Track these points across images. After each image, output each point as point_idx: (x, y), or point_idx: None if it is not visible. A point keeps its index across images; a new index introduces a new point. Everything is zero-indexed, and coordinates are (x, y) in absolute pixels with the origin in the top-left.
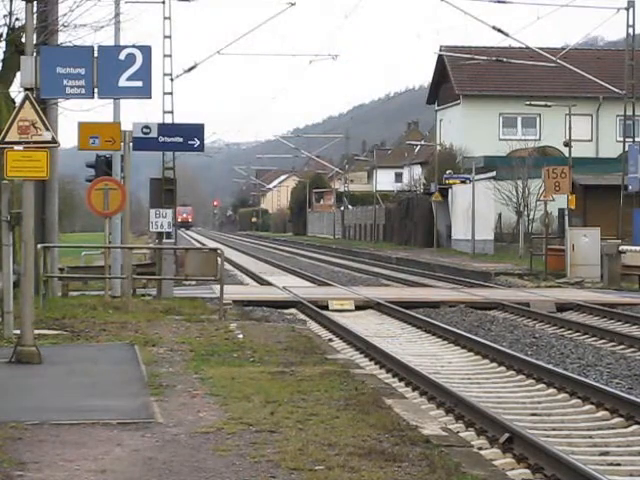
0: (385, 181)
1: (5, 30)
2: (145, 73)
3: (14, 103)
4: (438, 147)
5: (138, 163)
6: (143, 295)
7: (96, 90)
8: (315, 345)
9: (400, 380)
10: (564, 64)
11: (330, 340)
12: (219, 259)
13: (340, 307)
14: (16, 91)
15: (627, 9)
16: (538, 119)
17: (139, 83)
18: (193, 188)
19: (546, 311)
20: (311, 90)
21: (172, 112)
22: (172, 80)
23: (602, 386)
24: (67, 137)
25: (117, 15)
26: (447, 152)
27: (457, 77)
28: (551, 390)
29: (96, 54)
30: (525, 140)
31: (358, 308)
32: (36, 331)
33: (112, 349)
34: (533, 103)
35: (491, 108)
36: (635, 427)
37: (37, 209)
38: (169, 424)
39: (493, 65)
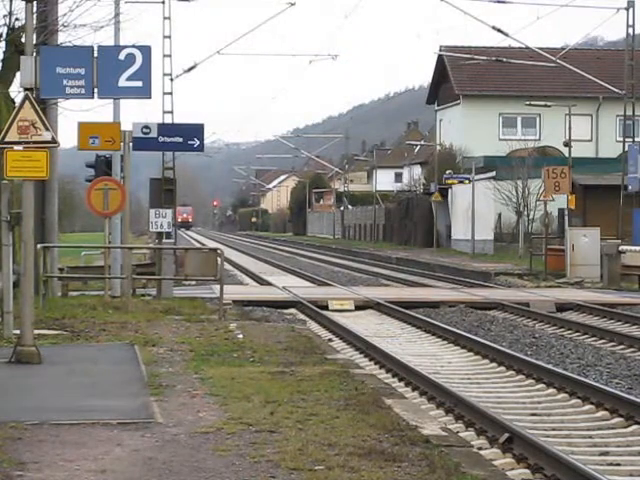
0: (385, 181)
1: (5, 30)
2: (145, 73)
3: (14, 103)
4: (438, 147)
5: (138, 163)
6: (143, 295)
7: (96, 90)
8: (315, 345)
9: (400, 380)
10: (564, 64)
11: (330, 340)
12: (219, 259)
13: (340, 307)
14: (16, 91)
15: (627, 9)
16: (538, 119)
17: (139, 83)
18: (193, 188)
19: (546, 311)
20: (311, 90)
21: (172, 112)
22: (172, 80)
23: (602, 386)
24: (67, 137)
25: (117, 15)
26: (447, 152)
27: (457, 77)
28: (551, 390)
29: (96, 54)
30: (525, 140)
31: (358, 308)
32: (36, 331)
33: (112, 349)
34: (533, 103)
35: (491, 108)
36: (635, 427)
37: (37, 209)
38: (169, 424)
39: (493, 65)
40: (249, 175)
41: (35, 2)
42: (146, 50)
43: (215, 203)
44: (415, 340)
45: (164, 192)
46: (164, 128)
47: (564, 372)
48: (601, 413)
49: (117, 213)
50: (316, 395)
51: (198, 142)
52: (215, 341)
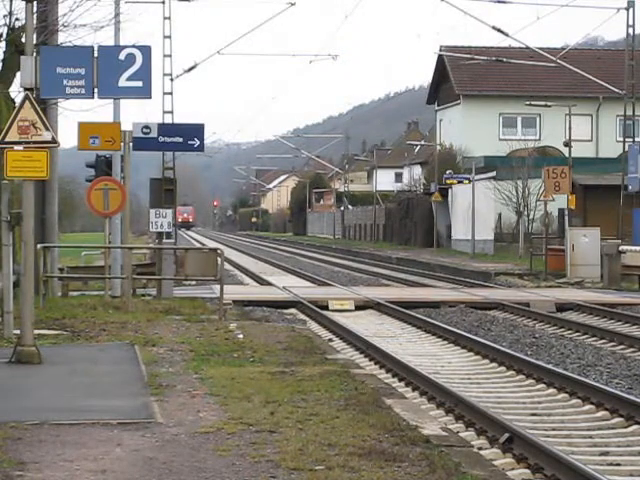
0: (385, 181)
1: (5, 30)
2: (145, 73)
3: (14, 103)
4: (438, 147)
5: (138, 163)
6: (143, 295)
7: (96, 90)
8: (315, 345)
9: (400, 380)
10: (564, 64)
11: (330, 340)
12: (219, 259)
13: (340, 307)
14: (16, 91)
15: (627, 9)
16: (538, 119)
17: (139, 83)
18: (193, 188)
19: (546, 311)
20: (311, 90)
21: (172, 112)
22: (172, 80)
23: (602, 386)
24: (67, 137)
25: (117, 15)
26: (447, 152)
27: (457, 77)
28: (551, 390)
29: (96, 54)
30: (525, 140)
31: (358, 308)
32: (36, 331)
33: (112, 349)
34: (533, 103)
35: (491, 108)
36: (635, 427)
37: (37, 209)
38: (169, 424)
39: (493, 65)
40: (249, 175)
41: (35, 2)
42: (146, 50)
43: (215, 203)
44: (415, 340)
45: (164, 192)
46: (164, 128)
47: (564, 372)
48: (601, 413)
49: (117, 213)
50: (316, 395)
51: (198, 142)
52: (215, 341)
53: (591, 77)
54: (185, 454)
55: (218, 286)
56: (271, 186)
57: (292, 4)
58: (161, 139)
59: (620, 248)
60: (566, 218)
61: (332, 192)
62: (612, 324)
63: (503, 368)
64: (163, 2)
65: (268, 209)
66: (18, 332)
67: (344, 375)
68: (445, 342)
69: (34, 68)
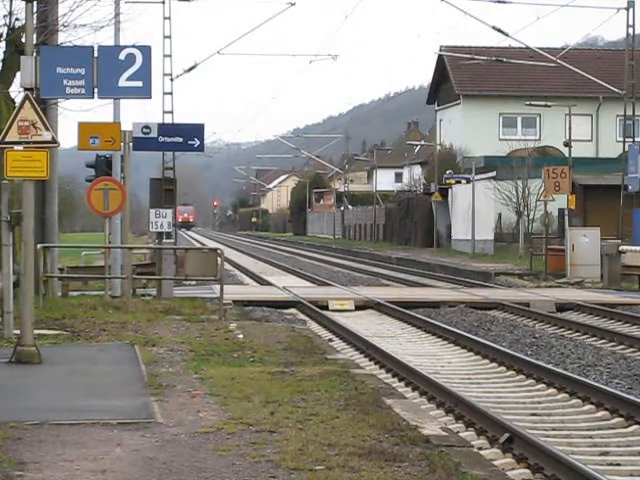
0: (385, 181)
1: (5, 30)
2: (145, 73)
3: (14, 103)
4: (438, 147)
5: (138, 163)
6: (143, 295)
7: (96, 90)
8: (315, 345)
9: (400, 380)
10: (564, 64)
11: (330, 340)
12: (219, 259)
13: (340, 307)
14: (16, 91)
15: (627, 9)
16: (538, 119)
17: (139, 83)
18: (193, 188)
19: (546, 311)
20: (311, 90)
21: (172, 112)
22: (172, 80)
23: (602, 386)
24: (67, 137)
25: (117, 15)
26: (447, 152)
27: (457, 77)
28: (551, 390)
29: (96, 54)
30: (525, 140)
31: (358, 308)
32: (36, 331)
33: (112, 349)
34: (533, 103)
35: (491, 108)
36: (635, 427)
37: (37, 209)
38: (169, 424)
39: (493, 65)
40: (249, 175)
41: (35, 2)
42: (146, 50)
43: (215, 203)
44: (415, 340)
45: (164, 192)
46: (164, 128)
47: (564, 372)
48: (601, 413)
49: (117, 213)
50: (316, 395)
51: (198, 142)
52: (215, 341)
53: (591, 77)
54: (185, 454)
55: (218, 286)
56: (271, 186)
57: (292, 4)
58: (161, 139)
59: (620, 248)
60: (566, 218)
61: (332, 192)
62: (612, 324)
63: (503, 368)
64: (163, 2)
65: (268, 209)
66: (18, 332)
67: (344, 375)
68: (445, 342)
69: (34, 68)
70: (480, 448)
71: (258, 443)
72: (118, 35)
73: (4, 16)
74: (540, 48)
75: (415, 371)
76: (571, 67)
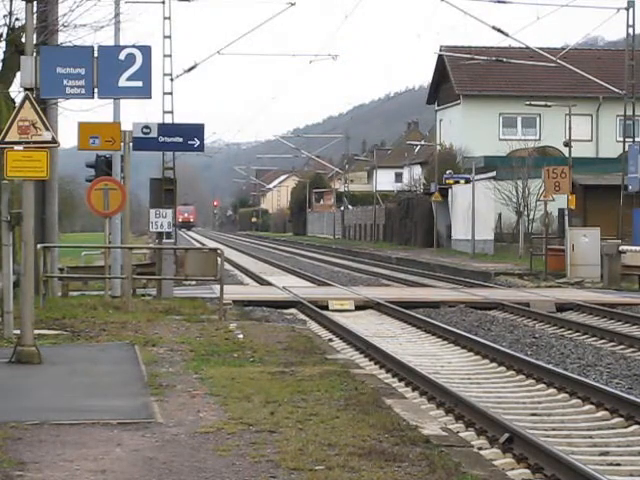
0: (385, 181)
1: (5, 30)
2: (145, 73)
3: (14, 103)
4: (438, 147)
5: (138, 163)
6: (143, 295)
7: (96, 90)
8: (315, 345)
9: (400, 380)
10: (564, 64)
11: (330, 340)
12: (219, 259)
13: (340, 307)
14: (16, 91)
15: (627, 9)
16: (538, 119)
17: (139, 83)
18: (193, 188)
19: (546, 311)
20: (311, 90)
21: (172, 112)
22: (172, 80)
23: (602, 386)
24: (67, 137)
25: (117, 15)
26: (447, 152)
27: (457, 77)
28: (551, 390)
29: (96, 54)
30: (525, 140)
31: (358, 308)
32: (36, 331)
33: (112, 349)
34: (533, 103)
35: (491, 108)
36: (635, 427)
37: (37, 209)
38: (169, 424)
39: (493, 65)
40: (249, 175)
41: (35, 2)
42: (146, 50)
43: (215, 203)
44: (415, 340)
45: (164, 192)
46: (164, 128)
47: (564, 372)
48: (601, 413)
49: (117, 213)
50: (316, 395)
51: (198, 142)
52: (215, 341)
53: (591, 77)
54: (185, 454)
55: (218, 286)
56: (271, 186)
57: (292, 4)
58: (161, 139)
59: (620, 248)
60: (566, 218)
61: (332, 192)
62: (612, 324)
63: (503, 368)
64: (163, 2)
65: (268, 209)
66: (18, 332)
67: (344, 375)
68: (445, 342)
69: (34, 68)
70: (480, 448)
71: (258, 443)
72: (118, 35)
73: (4, 16)
74: (540, 48)
75: (415, 371)
76: (571, 67)
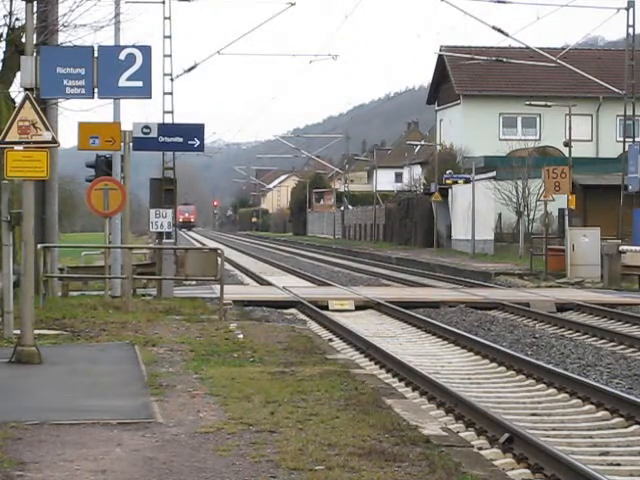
0: (385, 181)
1: (5, 30)
2: (145, 73)
3: (14, 103)
4: (438, 147)
5: (138, 163)
6: (143, 295)
7: (96, 90)
8: (315, 345)
9: (400, 380)
10: (564, 64)
11: (330, 340)
12: (219, 259)
13: (340, 307)
14: (16, 91)
15: (627, 9)
16: (538, 119)
17: (139, 83)
18: (193, 188)
19: (546, 311)
20: (311, 90)
21: (172, 112)
22: (172, 80)
23: (602, 386)
24: (67, 137)
25: (117, 15)
26: (447, 152)
27: (457, 77)
28: (551, 390)
29: (96, 54)
30: (525, 140)
31: (358, 308)
32: (36, 331)
33: (112, 349)
34: (533, 103)
35: (491, 108)
36: (635, 427)
37: (37, 209)
38: (169, 424)
39: (493, 65)
40: (249, 175)
41: (35, 2)
42: (146, 50)
43: (215, 203)
44: (415, 340)
45: (164, 192)
46: (164, 128)
47: (564, 372)
48: (601, 413)
49: (117, 213)
50: (316, 395)
51: (198, 142)
52: (215, 341)
53: (591, 77)
54: (185, 454)
55: (218, 286)
56: (271, 186)
57: (292, 4)
58: (161, 139)
59: (620, 248)
60: (566, 218)
61: (332, 192)
62: (612, 324)
63: (503, 368)
64: (163, 2)
65: (268, 209)
66: (18, 332)
67: (344, 375)
68: (445, 342)
69: (34, 68)
70: (480, 448)
71: (258, 443)
72: (118, 35)
73: (4, 16)
74: (540, 48)
75: (415, 371)
76: (571, 67)
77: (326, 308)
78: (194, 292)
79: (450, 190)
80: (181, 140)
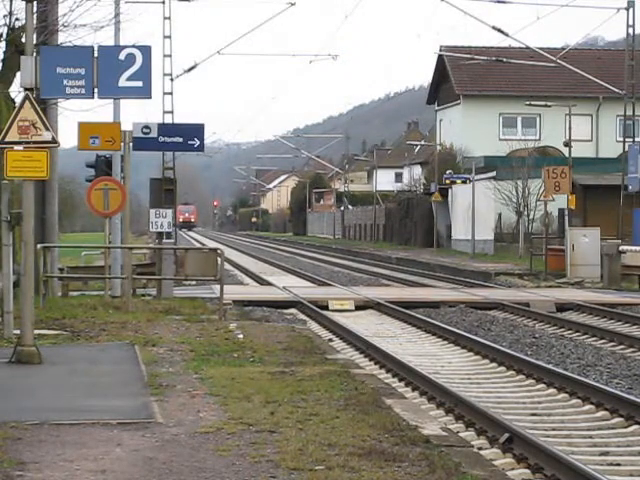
0: (385, 181)
1: (5, 30)
2: (145, 73)
3: (14, 103)
4: (438, 147)
5: (138, 163)
6: (143, 295)
7: (96, 90)
8: (315, 345)
9: (400, 380)
10: (564, 64)
11: (330, 340)
12: (219, 259)
13: (340, 307)
14: (16, 91)
15: (627, 9)
16: (538, 119)
17: (139, 83)
18: (193, 188)
19: (546, 311)
20: (311, 90)
21: (172, 112)
22: (172, 80)
23: (602, 386)
24: (67, 137)
25: (117, 15)
26: (447, 152)
27: (457, 77)
28: (551, 390)
29: (96, 54)
30: (525, 140)
31: (358, 308)
32: (36, 331)
33: (112, 349)
34: (533, 103)
35: (491, 108)
36: (635, 427)
37: (37, 209)
38: (169, 424)
39: (493, 65)
40: (249, 175)
41: (35, 2)
42: (146, 50)
43: (215, 203)
44: (415, 340)
45: (164, 192)
46: (164, 128)
47: (564, 372)
48: (601, 413)
49: (117, 213)
50: (316, 395)
51: (198, 142)
52: (215, 341)
53: (591, 77)
54: (185, 454)
55: (218, 286)
56: (271, 186)
57: (292, 4)
58: (161, 139)
59: (620, 248)
60: (566, 218)
61: (332, 192)
62: (612, 324)
63: (503, 368)
64: (163, 2)
65: (268, 209)
66: (18, 332)
67: (344, 375)
68: (445, 342)
69: (34, 68)
70: (480, 448)
71: (258, 443)
72: (118, 35)
73: (4, 16)
74: (540, 48)
75: (415, 371)
76: (571, 67)
77: (326, 308)
78: (194, 292)
79: (450, 190)
80: (181, 140)
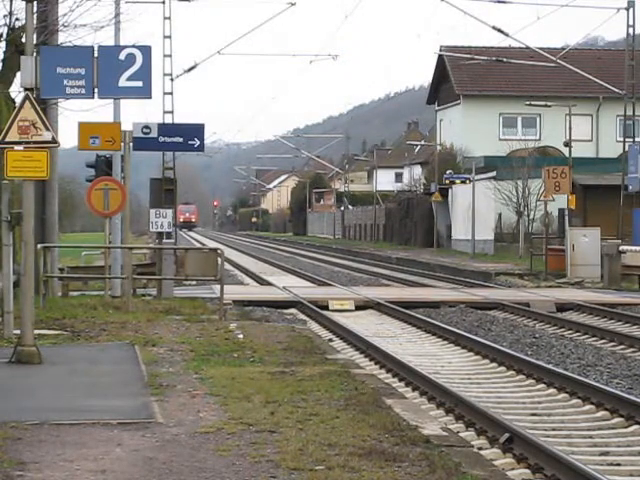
0: (385, 181)
1: (5, 30)
2: (145, 73)
3: (14, 103)
4: (438, 147)
5: (138, 163)
6: (143, 295)
7: (96, 90)
8: (315, 345)
9: (400, 380)
10: (564, 64)
11: (330, 340)
12: (219, 259)
13: (340, 307)
14: (16, 91)
15: (627, 9)
16: (538, 119)
17: (139, 83)
18: (193, 188)
19: (546, 311)
20: (311, 90)
21: (172, 112)
22: (172, 80)
23: (602, 386)
24: (67, 137)
25: (117, 15)
26: (447, 152)
27: (457, 77)
28: (551, 390)
29: (96, 54)
30: (525, 140)
31: (358, 308)
32: (36, 331)
33: (112, 349)
34: (533, 103)
35: (491, 108)
36: (635, 427)
37: (37, 209)
38: (169, 424)
39: (493, 65)
40: (249, 175)
41: (35, 2)
42: (146, 50)
43: (215, 203)
44: (415, 340)
45: (164, 192)
46: (164, 128)
47: (564, 372)
48: (601, 413)
49: (117, 213)
50: (316, 395)
51: (198, 142)
52: (215, 341)
53: (591, 77)
54: (185, 454)
55: (218, 286)
56: (271, 186)
57: (292, 4)
58: (161, 139)
59: (620, 248)
60: (566, 218)
61: (332, 192)
62: (612, 324)
63: (503, 368)
64: (163, 2)
65: (268, 209)
66: (18, 332)
67: (344, 375)
68: (445, 342)
69: (34, 68)
70: (480, 448)
71: (258, 443)
72: (118, 35)
73: (4, 16)
74: (540, 48)
75: (415, 371)
76: (571, 67)
77: (326, 308)
78: (194, 292)
79: (450, 190)
80: (181, 140)
